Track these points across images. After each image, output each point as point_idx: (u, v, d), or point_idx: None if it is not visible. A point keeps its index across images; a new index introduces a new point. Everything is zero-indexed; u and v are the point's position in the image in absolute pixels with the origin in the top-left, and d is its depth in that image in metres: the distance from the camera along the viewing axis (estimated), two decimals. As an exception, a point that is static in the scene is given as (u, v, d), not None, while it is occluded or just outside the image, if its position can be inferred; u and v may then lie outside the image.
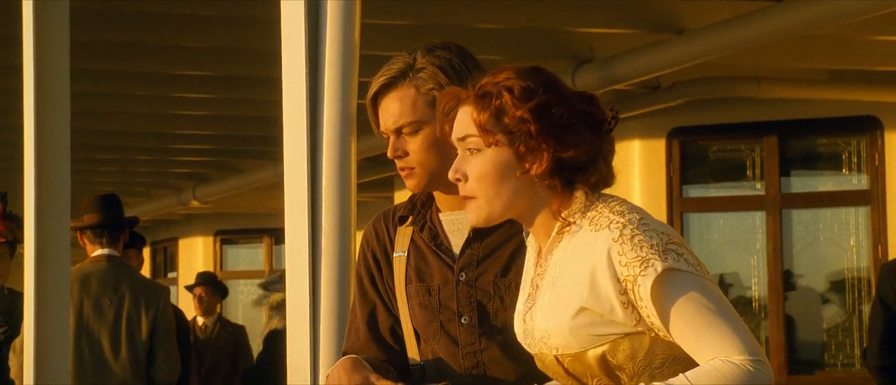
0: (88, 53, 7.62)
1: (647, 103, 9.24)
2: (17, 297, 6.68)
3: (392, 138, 3.09)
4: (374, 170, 12.08)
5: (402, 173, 3.11)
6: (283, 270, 3.73)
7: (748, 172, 9.99)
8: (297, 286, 3.37)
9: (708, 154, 10.17)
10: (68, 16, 4.88)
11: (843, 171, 9.89)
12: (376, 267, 3.20)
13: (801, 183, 10.14)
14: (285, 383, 3.41)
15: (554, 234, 2.71)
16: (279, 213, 3.47)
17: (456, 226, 3.12)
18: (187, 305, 11.58)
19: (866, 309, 9.15)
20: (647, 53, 7.78)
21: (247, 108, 9.90)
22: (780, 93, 9.20)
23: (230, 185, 13.34)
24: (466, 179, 2.73)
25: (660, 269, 2.55)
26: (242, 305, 17.15)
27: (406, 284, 3.14)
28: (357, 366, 2.98)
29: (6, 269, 6.92)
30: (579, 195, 2.70)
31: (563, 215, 2.70)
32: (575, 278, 2.63)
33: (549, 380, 2.79)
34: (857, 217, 9.82)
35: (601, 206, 2.67)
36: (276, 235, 16.40)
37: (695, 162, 10.11)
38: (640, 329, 2.62)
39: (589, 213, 2.67)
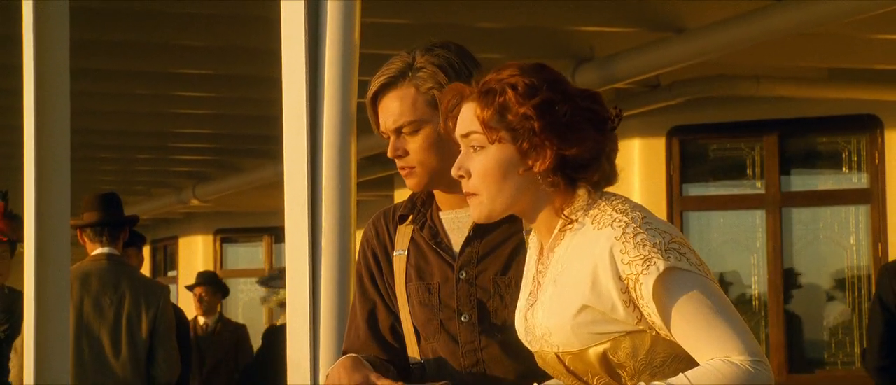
0: (88, 52, 7.61)
1: (647, 102, 9.24)
2: (18, 296, 6.68)
3: (392, 138, 3.09)
4: (374, 168, 12.08)
5: (403, 172, 3.12)
6: (283, 267, 3.72)
7: (748, 171, 9.99)
8: (297, 285, 3.37)
9: (708, 152, 10.17)
10: (68, 15, 4.88)
11: (843, 169, 9.89)
12: (376, 265, 3.20)
13: (801, 181, 10.14)
14: (284, 380, 3.41)
15: (556, 231, 2.72)
16: (279, 212, 3.47)
17: (456, 224, 3.12)
18: (187, 304, 11.58)
19: (866, 307, 9.15)
20: (647, 52, 7.78)
21: (247, 107, 9.90)
22: (780, 91, 9.19)
23: (230, 183, 13.34)
24: (469, 176, 2.73)
25: (662, 268, 2.55)
26: (243, 304, 17.15)
27: (406, 283, 3.14)
28: (357, 365, 2.98)
29: (7, 268, 6.92)
30: (582, 193, 2.70)
31: (565, 213, 2.70)
32: (577, 276, 2.63)
33: (550, 378, 2.79)
34: (857, 215, 9.82)
35: (604, 204, 2.67)
36: (277, 234, 16.40)
37: (695, 160, 10.12)
38: (641, 327, 2.62)
39: (591, 211, 2.67)
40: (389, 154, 3.11)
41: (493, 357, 3.05)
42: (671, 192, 9.93)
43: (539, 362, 2.76)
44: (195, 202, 14.33)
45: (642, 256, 2.56)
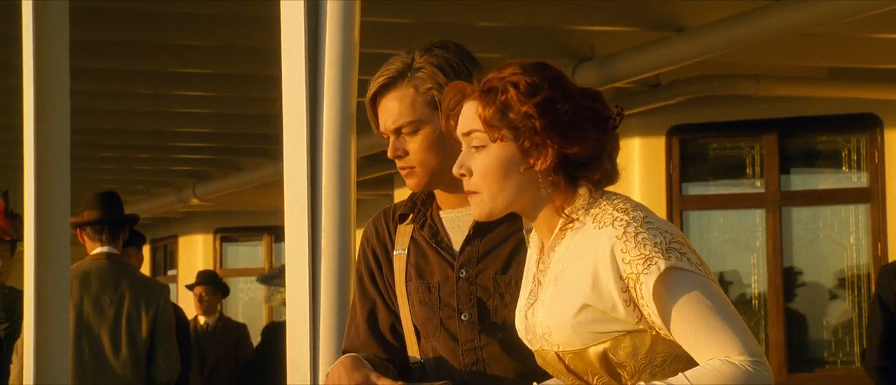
0: (88, 52, 7.61)
1: (647, 101, 9.24)
2: (18, 295, 6.68)
3: (392, 138, 3.09)
4: (373, 167, 12.08)
5: (403, 173, 3.12)
6: (284, 265, 3.72)
7: (748, 170, 9.99)
8: (297, 284, 3.37)
9: (708, 152, 10.17)
10: (68, 14, 4.88)
11: (843, 168, 9.89)
12: (376, 265, 3.20)
13: (801, 180, 10.14)
14: (284, 377, 3.41)
15: (557, 230, 2.72)
16: (279, 211, 3.47)
17: (456, 223, 3.12)
18: (187, 304, 11.58)
19: (866, 306, 9.15)
20: (647, 51, 7.78)
21: (247, 106, 9.90)
22: (780, 90, 9.19)
23: (230, 182, 13.34)
24: (471, 174, 2.73)
25: (663, 268, 2.56)
26: (243, 304, 17.15)
27: (406, 282, 3.14)
28: (357, 364, 2.98)
29: (7, 267, 6.92)
30: (583, 192, 2.70)
31: (566, 212, 2.70)
32: (577, 275, 2.63)
33: (549, 377, 2.79)
34: (856, 215, 9.82)
35: (605, 203, 2.67)
36: (276, 233, 16.39)
37: (694, 160, 10.11)
38: (641, 327, 2.62)
39: (592, 210, 2.67)
40: (389, 154, 3.11)
41: (493, 356, 3.05)
42: (671, 192, 9.93)
43: (539, 361, 2.76)
44: (195, 201, 14.33)
45: (643, 256, 2.57)
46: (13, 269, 6.84)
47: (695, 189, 10.15)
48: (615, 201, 2.67)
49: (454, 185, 2.98)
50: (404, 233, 3.17)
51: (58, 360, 4.89)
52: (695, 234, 10.06)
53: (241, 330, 11.75)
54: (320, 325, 3.34)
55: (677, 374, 2.56)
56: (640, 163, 9.92)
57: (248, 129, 10.98)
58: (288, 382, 3.39)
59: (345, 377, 2.95)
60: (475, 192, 2.74)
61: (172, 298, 7.42)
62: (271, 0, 3.68)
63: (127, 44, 7.96)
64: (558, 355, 2.69)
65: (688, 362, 2.59)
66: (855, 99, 9.36)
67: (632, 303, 2.59)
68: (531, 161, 2.68)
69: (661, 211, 9.61)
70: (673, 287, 2.57)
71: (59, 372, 4.89)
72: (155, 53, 8.13)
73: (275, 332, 11.36)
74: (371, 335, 3.17)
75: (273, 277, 13.21)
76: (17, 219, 6.62)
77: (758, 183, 9.95)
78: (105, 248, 6.80)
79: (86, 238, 6.84)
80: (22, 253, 5.13)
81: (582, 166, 2.68)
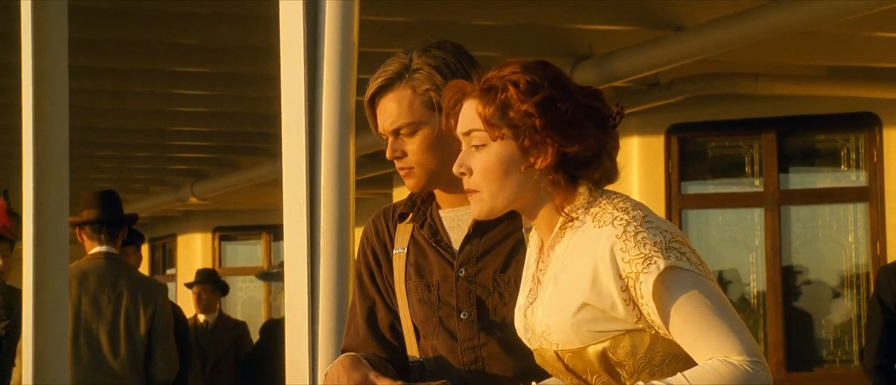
0: (87, 50, 7.61)
1: (646, 100, 9.24)
2: (18, 293, 6.67)
3: (390, 139, 3.10)
4: (372, 166, 12.08)
5: (402, 173, 3.12)
6: (282, 263, 3.72)
7: (747, 169, 9.99)
8: (296, 283, 3.37)
9: (706, 150, 10.17)
10: (66, 13, 4.87)
11: (842, 167, 9.89)
12: (376, 263, 3.20)
13: (800, 179, 10.14)
14: (282, 374, 3.41)
15: (556, 229, 2.72)
16: (278, 210, 3.47)
17: (456, 222, 3.13)
18: (186, 302, 11.58)
19: (865, 305, 9.15)
20: (646, 50, 7.77)
21: (245, 104, 9.90)
22: (779, 89, 9.19)
23: (229, 181, 13.34)
24: (470, 173, 2.73)
25: (662, 267, 2.55)
26: (242, 302, 17.14)
27: (405, 281, 3.14)
28: (356, 363, 2.98)
29: (7, 265, 6.91)
30: (583, 191, 2.70)
31: (566, 210, 2.70)
32: (577, 274, 2.63)
33: (548, 376, 2.79)
34: (855, 214, 9.82)
35: (604, 202, 2.67)
36: (275, 232, 16.38)
37: (693, 158, 10.11)
38: (640, 326, 2.62)
39: (592, 209, 2.67)
40: (388, 155, 3.11)
41: (492, 354, 3.05)
42: (670, 190, 9.93)
43: (538, 360, 2.76)
44: (194, 200, 14.32)
45: (643, 255, 2.56)
46: (12, 268, 6.83)
47: (693, 188, 10.15)
48: (615, 200, 2.67)
49: (453, 185, 2.98)
50: (404, 232, 3.17)
51: (56, 359, 4.89)
52: (694, 233, 10.06)
53: (240, 328, 11.76)
54: (319, 324, 3.34)
55: (676, 373, 2.56)
56: (639, 162, 9.92)
57: (246, 128, 10.98)
58: (287, 382, 3.39)
59: (344, 376, 2.95)
60: (475, 191, 2.73)
61: (171, 297, 7.42)
62: (270, -1, 3.68)
63: (125, 42, 7.96)
64: (557, 354, 2.69)
65: (687, 362, 2.59)
66: (854, 98, 9.37)
67: (631, 302, 2.59)
68: (531, 160, 2.68)
69: (659, 210, 9.61)
70: (672, 286, 2.57)
71: (57, 371, 4.88)
72: (153, 52, 8.13)
73: (273, 328, 11.36)
74: (370, 334, 3.17)
75: (273, 274, 13.21)
76: (18, 217, 6.62)
77: (756, 182, 9.95)
78: (103, 248, 6.79)
79: (84, 237, 6.84)
80: (20, 251, 5.13)
81: (582, 165, 2.68)
